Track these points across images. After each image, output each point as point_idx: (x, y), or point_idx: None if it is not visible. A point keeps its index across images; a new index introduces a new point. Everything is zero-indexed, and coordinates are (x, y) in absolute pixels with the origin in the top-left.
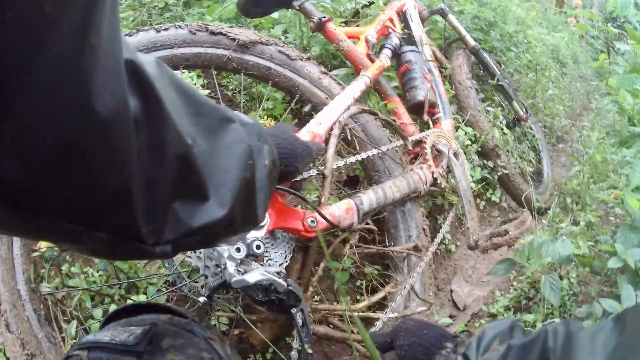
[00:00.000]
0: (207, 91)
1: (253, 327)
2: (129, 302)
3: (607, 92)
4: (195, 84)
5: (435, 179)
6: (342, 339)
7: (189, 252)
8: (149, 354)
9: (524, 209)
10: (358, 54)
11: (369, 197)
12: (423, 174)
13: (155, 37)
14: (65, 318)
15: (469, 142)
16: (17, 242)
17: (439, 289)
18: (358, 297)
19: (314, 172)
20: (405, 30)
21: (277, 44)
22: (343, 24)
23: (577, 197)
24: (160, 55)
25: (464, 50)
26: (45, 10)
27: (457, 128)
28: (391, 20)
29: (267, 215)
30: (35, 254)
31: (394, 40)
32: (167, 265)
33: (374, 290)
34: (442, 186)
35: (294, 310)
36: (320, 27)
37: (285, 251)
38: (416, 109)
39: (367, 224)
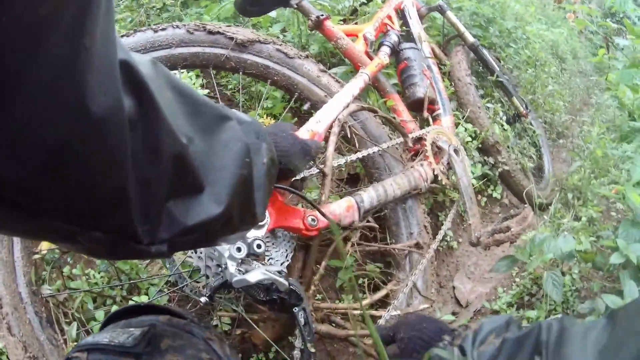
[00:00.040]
0: (206, 91)
1: (255, 326)
2: (130, 303)
3: (606, 87)
4: (194, 83)
5: (436, 176)
6: (345, 337)
7: (189, 252)
8: (148, 355)
9: (526, 205)
10: (356, 52)
11: (369, 195)
12: (424, 171)
13: (153, 37)
14: (67, 320)
15: (469, 139)
16: (17, 244)
17: (441, 286)
18: (360, 295)
19: (314, 170)
20: (404, 28)
21: (275, 42)
22: (341, 22)
23: (578, 192)
24: (158, 56)
25: (463, 46)
26: (40, 13)
27: (457, 125)
28: (389, 17)
29: (267, 214)
30: (36, 256)
31: (393, 37)
32: (168, 266)
33: (376, 288)
34: (443, 183)
35: (295, 309)
36: (318, 25)
37: (287, 250)
38: (416, 106)
39: (368, 221)
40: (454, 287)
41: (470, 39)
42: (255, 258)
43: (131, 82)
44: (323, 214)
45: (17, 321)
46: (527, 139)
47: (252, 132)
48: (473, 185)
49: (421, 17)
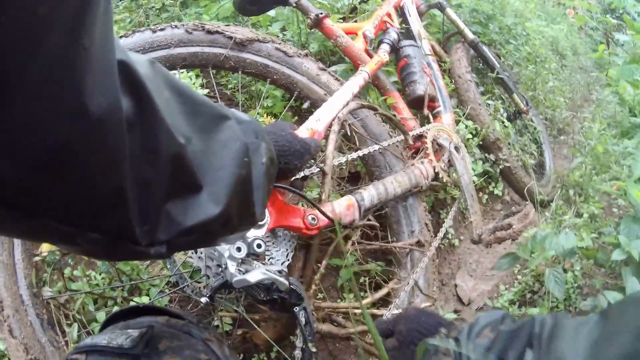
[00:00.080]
0: (206, 90)
1: (256, 326)
2: (131, 304)
3: (607, 83)
4: (194, 83)
5: (436, 174)
6: (347, 337)
7: (190, 253)
8: (146, 356)
9: (527, 202)
10: (356, 50)
11: (370, 193)
12: (424, 169)
13: (152, 37)
14: (68, 322)
15: (470, 136)
16: (18, 247)
17: (443, 283)
18: (362, 294)
19: (314, 169)
20: (404, 25)
21: (274, 41)
22: (341, 20)
23: (579, 189)
24: (157, 56)
25: (463, 43)
26: (40, 13)
27: (457, 122)
28: (389, 15)
29: (267, 214)
30: (37, 258)
31: (392, 35)
32: (169, 266)
33: (377, 287)
34: (444, 180)
35: (296, 309)
36: (317, 23)
37: (287, 249)
38: (416, 104)
39: (369, 220)
40: (455, 285)
41: (470, 36)
42: (256, 258)
43: (129, 82)
44: (323, 213)
45: (19, 323)
46: (528, 136)
47: (251, 131)
48: (474, 183)
49: (421, 14)
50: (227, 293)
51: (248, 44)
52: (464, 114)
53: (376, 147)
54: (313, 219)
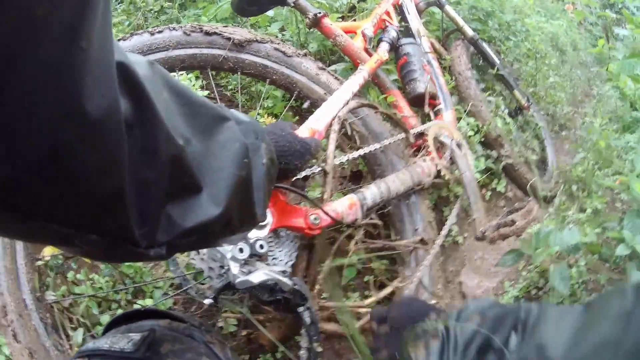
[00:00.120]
0: (206, 92)
1: (260, 327)
2: (135, 306)
3: (607, 78)
4: (193, 85)
5: (439, 171)
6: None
7: (193, 254)
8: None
9: (530, 198)
10: (355, 49)
11: (372, 192)
12: (426, 167)
13: (150, 40)
14: (72, 325)
15: (471, 133)
16: (20, 252)
17: (447, 281)
18: (366, 293)
19: (316, 168)
20: (403, 23)
21: (273, 41)
22: (339, 19)
23: (582, 184)
24: (155, 58)
25: (463, 40)
26: (38, 14)
27: (459, 119)
28: (388, 13)
29: (269, 215)
30: (40, 262)
31: (392, 33)
32: (172, 268)
33: (382, 286)
34: (446, 178)
35: (300, 309)
36: (316, 23)
37: (290, 250)
38: (417, 102)
39: (371, 219)
40: (460, 282)
41: (470, 32)
42: (258, 258)
43: (128, 83)
44: (325, 212)
45: (23, 328)
46: (529, 132)
47: (250, 132)
48: (477, 180)
49: (419, 12)
50: (231, 294)
51: (246, 44)
52: (465, 111)
53: (377, 145)
54: (315, 218)
